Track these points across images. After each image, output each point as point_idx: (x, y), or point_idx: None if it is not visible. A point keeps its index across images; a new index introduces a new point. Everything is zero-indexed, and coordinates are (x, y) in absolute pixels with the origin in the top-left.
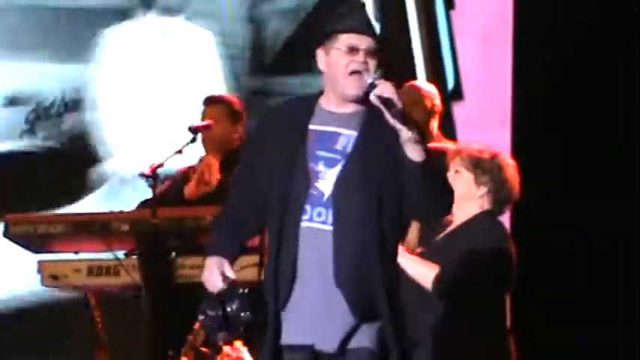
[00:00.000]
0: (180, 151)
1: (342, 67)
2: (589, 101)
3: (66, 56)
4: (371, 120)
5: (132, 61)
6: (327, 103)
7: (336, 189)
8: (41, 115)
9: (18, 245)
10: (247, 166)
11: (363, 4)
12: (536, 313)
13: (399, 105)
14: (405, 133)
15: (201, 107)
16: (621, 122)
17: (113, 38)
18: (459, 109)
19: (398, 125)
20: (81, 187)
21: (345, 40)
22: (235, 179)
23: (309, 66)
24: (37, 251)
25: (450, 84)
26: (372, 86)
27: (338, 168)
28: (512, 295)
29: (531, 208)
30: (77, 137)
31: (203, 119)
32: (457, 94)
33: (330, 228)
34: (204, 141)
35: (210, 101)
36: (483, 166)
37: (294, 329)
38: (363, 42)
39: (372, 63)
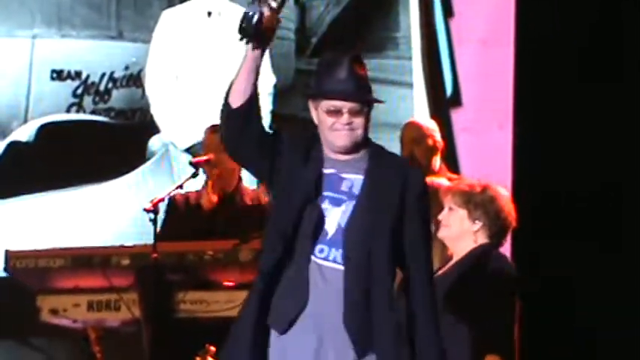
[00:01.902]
0: (181, 186)
1: (327, 126)
2: (591, 104)
3: (115, 34)
4: (375, 164)
5: (178, 42)
6: (326, 150)
7: (347, 231)
8: (89, 89)
9: (18, 280)
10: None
11: (353, 67)
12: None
13: None
14: None
15: (203, 135)
16: (624, 125)
17: (161, 19)
18: (457, 115)
19: None
20: (127, 161)
21: (328, 103)
22: None
23: (350, 48)
24: (37, 287)
25: (449, 91)
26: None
27: (342, 208)
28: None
29: (534, 211)
30: (124, 112)
31: (205, 147)
32: (456, 100)
33: (333, 265)
34: (208, 172)
35: (214, 130)
36: (475, 201)
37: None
38: (347, 104)
39: (357, 121)
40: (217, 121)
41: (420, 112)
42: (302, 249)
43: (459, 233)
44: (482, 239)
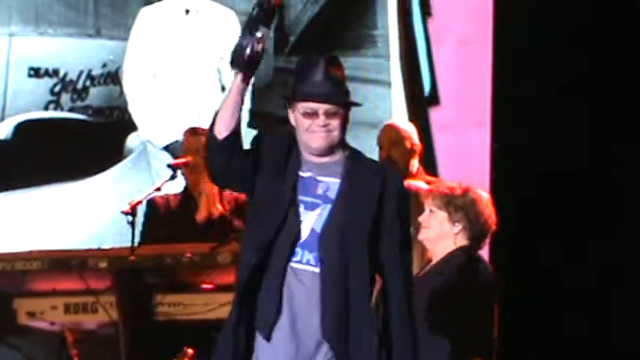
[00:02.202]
0: (159, 189)
1: (303, 128)
2: (569, 101)
3: (93, 32)
4: (351, 168)
5: (156, 40)
6: (303, 152)
7: (322, 235)
8: (67, 87)
9: None
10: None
11: (329, 70)
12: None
13: None
14: None
15: (182, 137)
16: (603, 123)
17: (139, 17)
18: (435, 114)
19: None
20: (105, 159)
21: (304, 105)
22: None
23: (329, 47)
24: (13, 290)
25: (427, 90)
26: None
27: (317, 211)
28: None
29: (511, 209)
30: (102, 110)
31: (184, 150)
32: (433, 98)
33: (306, 267)
34: (186, 173)
35: (193, 132)
36: (456, 203)
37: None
38: (323, 106)
39: (334, 123)
40: (195, 122)
41: (398, 110)
42: (279, 255)
43: (439, 235)
44: (461, 242)
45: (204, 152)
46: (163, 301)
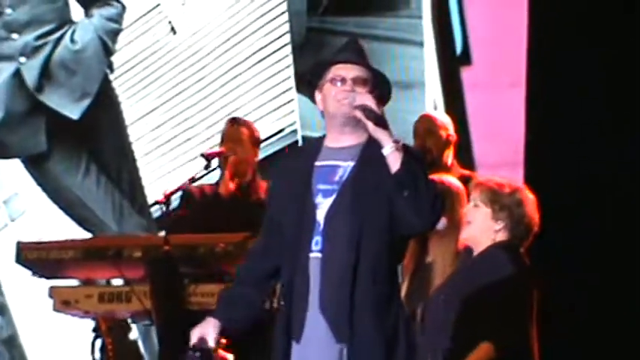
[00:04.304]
0: (193, 179)
1: (332, 97)
2: (607, 60)
3: None
4: (368, 151)
5: None
6: (329, 141)
7: (327, 217)
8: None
9: (30, 271)
10: (269, 224)
11: (356, 40)
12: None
13: (377, 111)
14: (385, 142)
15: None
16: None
17: None
18: (467, 73)
19: (378, 134)
20: None
21: (333, 71)
22: (255, 246)
23: (362, 7)
24: (49, 277)
25: (459, 49)
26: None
27: (333, 197)
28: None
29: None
30: None
31: (224, 139)
32: (465, 58)
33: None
34: (222, 163)
35: (234, 122)
36: (502, 201)
37: None
38: (350, 72)
39: (360, 90)
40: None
41: (430, 70)
42: (302, 251)
43: (482, 229)
44: (499, 239)
45: (242, 143)
46: (197, 291)
